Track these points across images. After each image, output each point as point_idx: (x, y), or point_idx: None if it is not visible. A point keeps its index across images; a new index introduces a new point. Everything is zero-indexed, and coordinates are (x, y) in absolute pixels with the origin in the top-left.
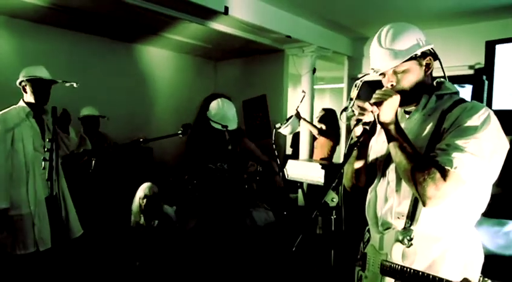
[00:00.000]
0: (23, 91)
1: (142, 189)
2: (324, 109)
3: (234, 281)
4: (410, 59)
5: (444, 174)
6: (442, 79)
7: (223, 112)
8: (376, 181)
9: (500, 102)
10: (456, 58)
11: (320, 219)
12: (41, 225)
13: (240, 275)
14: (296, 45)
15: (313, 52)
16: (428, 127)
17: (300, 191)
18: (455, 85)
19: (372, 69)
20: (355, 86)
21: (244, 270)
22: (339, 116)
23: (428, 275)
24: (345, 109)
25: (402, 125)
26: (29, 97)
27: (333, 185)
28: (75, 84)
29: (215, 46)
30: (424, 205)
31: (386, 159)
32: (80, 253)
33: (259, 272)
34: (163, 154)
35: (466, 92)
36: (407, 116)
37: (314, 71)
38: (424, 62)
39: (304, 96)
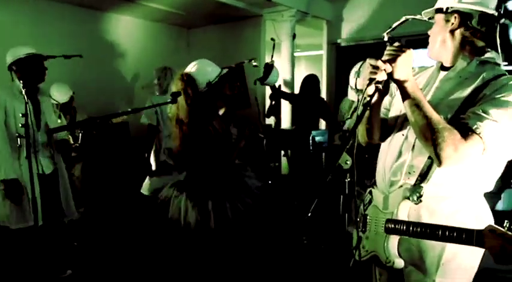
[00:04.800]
0: (15, 74)
1: None
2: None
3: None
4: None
5: (466, 136)
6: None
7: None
8: (393, 133)
9: None
10: None
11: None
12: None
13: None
14: (275, 9)
15: (292, 16)
16: (465, 90)
17: (284, 159)
18: None
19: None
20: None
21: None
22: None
23: (440, 225)
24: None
25: (436, 84)
26: (19, 78)
27: (347, 147)
28: (79, 56)
29: (188, 13)
30: (438, 165)
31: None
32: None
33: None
34: (141, 128)
35: None
36: (442, 72)
37: (294, 36)
38: (451, 19)
39: (274, 44)
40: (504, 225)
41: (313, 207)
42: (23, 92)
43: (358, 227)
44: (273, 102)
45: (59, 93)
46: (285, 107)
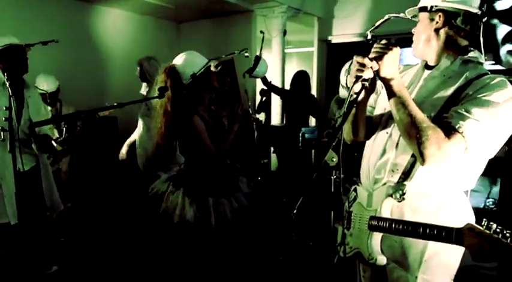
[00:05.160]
0: None
1: None
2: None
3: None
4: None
5: (449, 135)
6: (472, 48)
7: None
8: (377, 131)
9: None
10: None
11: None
12: (9, 196)
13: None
14: (266, 5)
15: (284, 13)
16: (449, 89)
17: (274, 155)
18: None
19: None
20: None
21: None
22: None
23: (422, 223)
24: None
25: (420, 82)
26: (5, 70)
27: (333, 144)
28: (55, 42)
29: (178, 7)
30: (422, 164)
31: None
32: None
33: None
34: (129, 123)
35: None
36: (426, 71)
37: (285, 33)
38: (435, 18)
39: (263, 37)
40: (482, 223)
41: (298, 205)
42: (7, 85)
43: (343, 224)
44: (264, 98)
45: (46, 83)
46: (275, 103)
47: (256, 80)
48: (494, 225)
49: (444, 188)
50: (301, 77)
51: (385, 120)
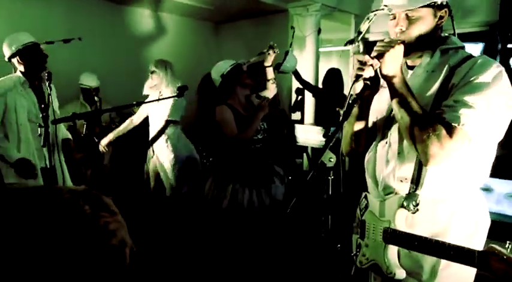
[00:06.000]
0: (17, 64)
1: None
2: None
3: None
4: (429, 6)
5: (450, 131)
6: (447, 33)
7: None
8: (375, 142)
9: None
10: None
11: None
12: None
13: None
14: (300, 4)
15: (317, 11)
16: (434, 83)
17: (304, 155)
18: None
19: (386, 6)
20: (368, 18)
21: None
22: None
23: (440, 242)
24: (351, 41)
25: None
26: (23, 68)
27: (331, 144)
28: (79, 39)
29: (216, 8)
30: (425, 164)
31: (388, 119)
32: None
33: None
34: None
35: (476, 49)
36: (410, 71)
37: (319, 31)
38: (439, 14)
39: (293, 32)
40: (507, 246)
41: (292, 204)
42: (28, 85)
43: (358, 233)
44: (299, 98)
45: (91, 78)
46: (309, 102)
47: (293, 79)
48: None
49: (458, 189)
50: (333, 75)
51: (381, 130)
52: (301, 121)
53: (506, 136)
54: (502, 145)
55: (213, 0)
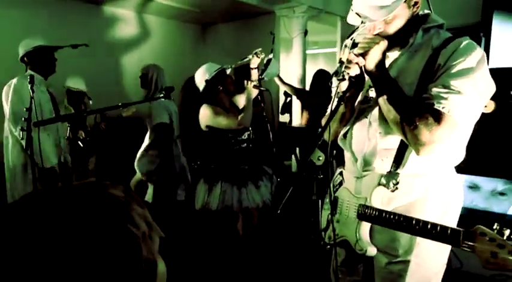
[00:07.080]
0: (28, 65)
1: None
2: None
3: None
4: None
5: (439, 119)
6: (426, 11)
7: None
8: (352, 119)
9: (497, 60)
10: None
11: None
12: None
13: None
14: (286, 5)
15: (304, 13)
16: (419, 63)
17: (293, 156)
18: None
19: (362, 22)
20: (345, 46)
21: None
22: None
23: (421, 221)
24: (336, 73)
25: (386, 64)
26: (34, 70)
27: (319, 143)
28: (85, 46)
29: (203, 10)
30: (417, 153)
31: (365, 98)
32: None
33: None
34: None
35: None
36: (390, 54)
37: (306, 33)
38: (412, 1)
39: (273, 38)
40: (494, 227)
41: (282, 205)
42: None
43: (331, 210)
44: (288, 100)
45: (80, 81)
46: (297, 104)
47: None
48: (508, 231)
49: (437, 165)
50: (320, 77)
51: (358, 107)
52: (289, 123)
53: (492, 136)
54: (490, 144)
55: (199, 3)
